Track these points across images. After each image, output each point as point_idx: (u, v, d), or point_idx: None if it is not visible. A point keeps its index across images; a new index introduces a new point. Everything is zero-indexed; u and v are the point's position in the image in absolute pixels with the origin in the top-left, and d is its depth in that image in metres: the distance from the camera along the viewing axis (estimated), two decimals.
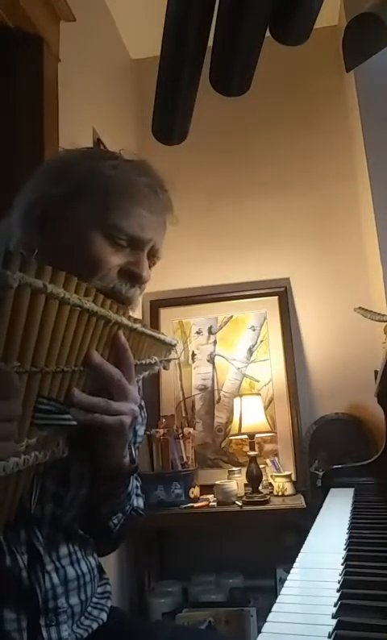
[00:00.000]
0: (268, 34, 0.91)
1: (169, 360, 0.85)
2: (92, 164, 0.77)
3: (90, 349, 0.62)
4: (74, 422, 0.59)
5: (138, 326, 0.71)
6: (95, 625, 0.75)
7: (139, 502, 0.86)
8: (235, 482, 2.15)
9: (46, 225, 0.73)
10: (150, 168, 0.82)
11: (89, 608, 0.77)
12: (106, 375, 0.64)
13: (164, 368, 0.84)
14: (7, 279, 0.48)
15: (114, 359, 0.66)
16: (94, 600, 0.78)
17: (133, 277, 0.75)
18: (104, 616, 0.77)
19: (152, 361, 0.79)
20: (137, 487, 0.88)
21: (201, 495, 2.17)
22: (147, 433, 2.19)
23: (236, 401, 2.28)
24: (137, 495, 0.86)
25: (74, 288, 0.57)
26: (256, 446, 2.20)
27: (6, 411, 0.51)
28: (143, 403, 0.86)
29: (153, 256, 0.80)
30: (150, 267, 0.80)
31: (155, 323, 2.58)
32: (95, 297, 0.61)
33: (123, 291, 0.74)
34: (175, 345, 0.85)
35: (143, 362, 0.77)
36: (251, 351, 2.50)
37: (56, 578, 0.69)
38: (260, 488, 2.11)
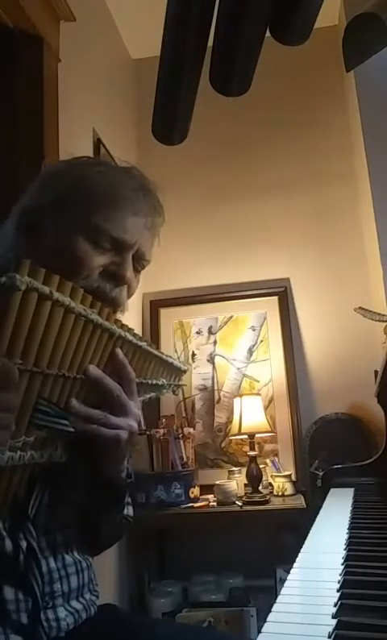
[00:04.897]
0: (268, 34, 0.91)
1: (179, 386, 0.87)
2: (78, 172, 0.79)
3: (92, 360, 0.64)
4: (72, 429, 0.61)
5: (143, 344, 0.73)
6: (84, 615, 0.77)
7: (128, 510, 0.88)
8: (235, 482, 2.15)
9: (36, 233, 0.75)
10: (136, 172, 0.83)
11: (82, 599, 0.78)
12: (106, 388, 0.66)
13: (174, 393, 0.86)
14: (15, 282, 0.51)
15: (115, 374, 0.68)
16: (86, 595, 0.80)
17: (116, 277, 0.76)
18: (92, 611, 0.79)
19: (160, 382, 0.81)
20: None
21: (201, 495, 2.17)
22: (148, 433, 2.19)
23: (236, 401, 2.28)
24: (127, 503, 0.87)
25: (80, 298, 0.60)
26: (256, 446, 2.20)
27: (4, 401, 0.53)
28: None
29: (140, 259, 0.81)
30: (138, 271, 0.82)
31: (155, 323, 2.58)
32: (100, 309, 0.63)
33: (107, 290, 0.75)
34: (184, 371, 0.87)
35: (150, 382, 0.79)
36: (251, 351, 2.50)
37: (53, 563, 0.72)
38: (260, 488, 2.11)
